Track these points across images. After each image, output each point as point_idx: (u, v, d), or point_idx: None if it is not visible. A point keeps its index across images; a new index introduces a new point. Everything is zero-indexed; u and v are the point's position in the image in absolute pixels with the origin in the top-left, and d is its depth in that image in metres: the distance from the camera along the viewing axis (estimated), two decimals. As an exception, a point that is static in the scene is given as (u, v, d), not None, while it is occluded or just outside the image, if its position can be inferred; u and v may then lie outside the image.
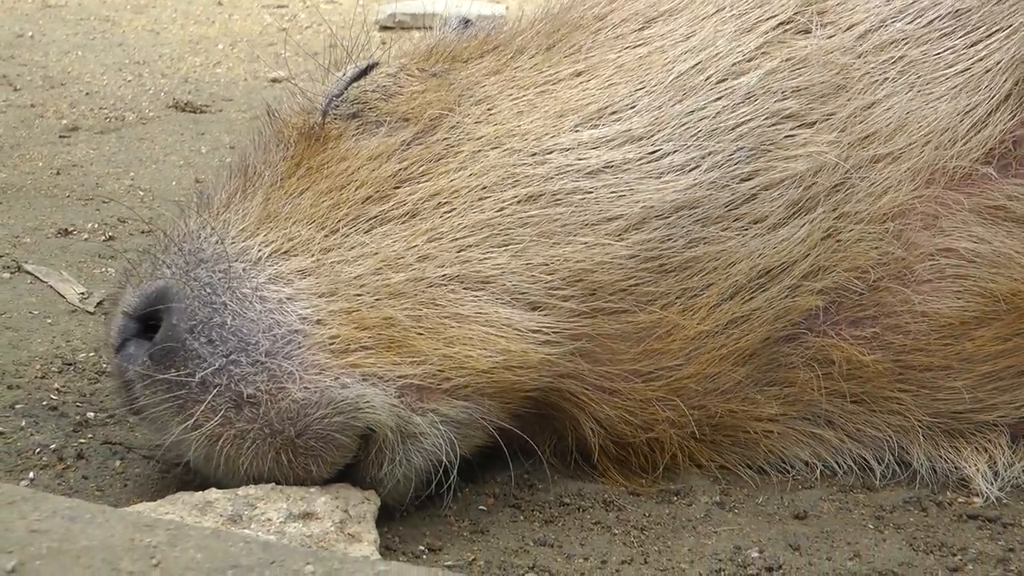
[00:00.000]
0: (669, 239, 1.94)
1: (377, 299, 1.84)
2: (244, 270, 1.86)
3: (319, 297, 1.83)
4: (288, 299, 1.83)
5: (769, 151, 1.98)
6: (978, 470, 2.04)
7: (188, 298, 1.85)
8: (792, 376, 2.02)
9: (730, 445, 2.06)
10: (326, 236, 1.89)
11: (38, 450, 2.06)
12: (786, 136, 1.99)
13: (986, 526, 1.95)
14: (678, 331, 1.95)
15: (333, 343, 1.80)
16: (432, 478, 1.88)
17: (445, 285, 1.86)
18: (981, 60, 2.04)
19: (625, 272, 1.92)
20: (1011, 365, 2.03)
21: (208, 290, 1.85)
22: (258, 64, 5.11)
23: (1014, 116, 2.02)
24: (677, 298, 1.95)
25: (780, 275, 1.97)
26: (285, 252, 1.87)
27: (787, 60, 2.04)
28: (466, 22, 2.28)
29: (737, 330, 1.97)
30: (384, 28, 5.79)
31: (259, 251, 1.88)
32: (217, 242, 1.91)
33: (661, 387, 1.97)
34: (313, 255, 1.87)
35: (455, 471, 1.88)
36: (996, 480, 2.03)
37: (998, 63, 2.03)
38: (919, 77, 2.05)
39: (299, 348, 1.80)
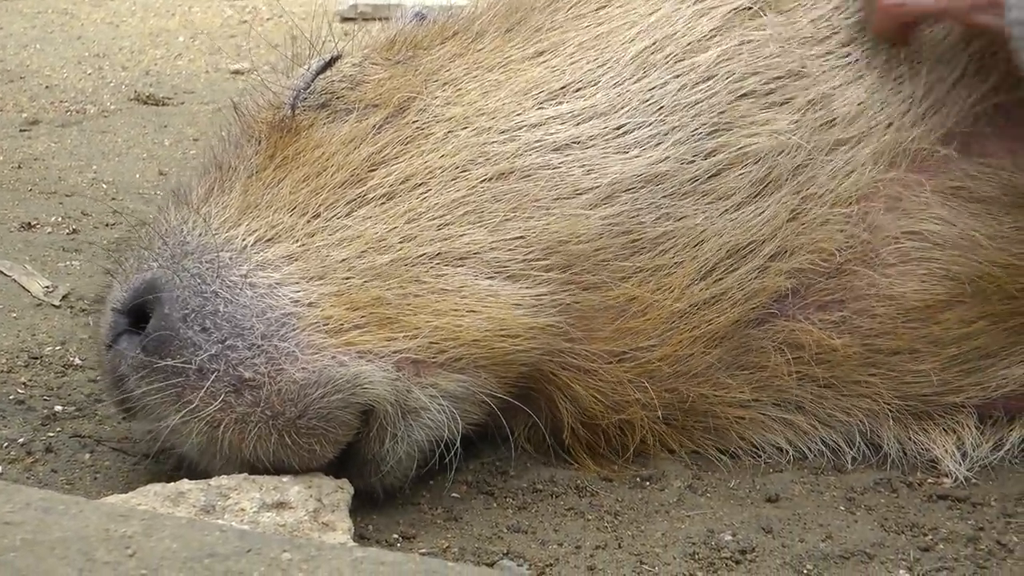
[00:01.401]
0: (638, 213, 1.95)
1: (365, 280, 1.84)
2: (231, 258, 1.86)
3: (308, 281, 1.83)
4: (278, 284, 1.83)
5: (731, 128, 1.99)
6: (947, 451, 2.05)
7: (178, 288, 1.85)
8: (763, 360, 2.03)
9: (701, 431, 2.07)
10: (308, 222, 1.89)
11: (5, 444, 2.05)
12: (745, 115, 2.01)
13: (956, 506, 1.97)
14: (652, 310, 1.97)
15: (327, 323, 1.80)
16: (433, 457, 1.89)
17: (428, 263, 1.87)
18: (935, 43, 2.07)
19: (598, 244, 1.94)
20: (977, 347, 2.04)
21: (198, 280, 1.85)
22: (219, 56, 5.09)
23: (970, 95, 2.03)
24: (651, 275, 1.96)
25: (748, 255, 1.98)
26: (270, 239, 1.88)
27: (744, 42, 2.05)
28: (421, 16, 2.28)
29: (709, 311, 1.98)
30: (346, 19, 5.77)
31: (244, 240, 1.88)
32: (201, 234, 1.91)
33: (633, 368, 1.98)
34: (298, 240, 1.88)
35: (458, 450, 1.89)
36: (965, 461, 2.05)
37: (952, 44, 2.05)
38: (877, 59, 2.06)
39: (294, 330, 1.80)
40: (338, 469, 1.87)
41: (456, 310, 1.85)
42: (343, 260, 1.86)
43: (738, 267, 1.98)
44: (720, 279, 1.98)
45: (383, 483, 1.89)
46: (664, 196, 1.96)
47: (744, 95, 2.02)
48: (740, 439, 2.08)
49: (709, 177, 1.98)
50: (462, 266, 1.88)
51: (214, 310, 1.82)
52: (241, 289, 1.83)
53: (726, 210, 1.98)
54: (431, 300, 1.85)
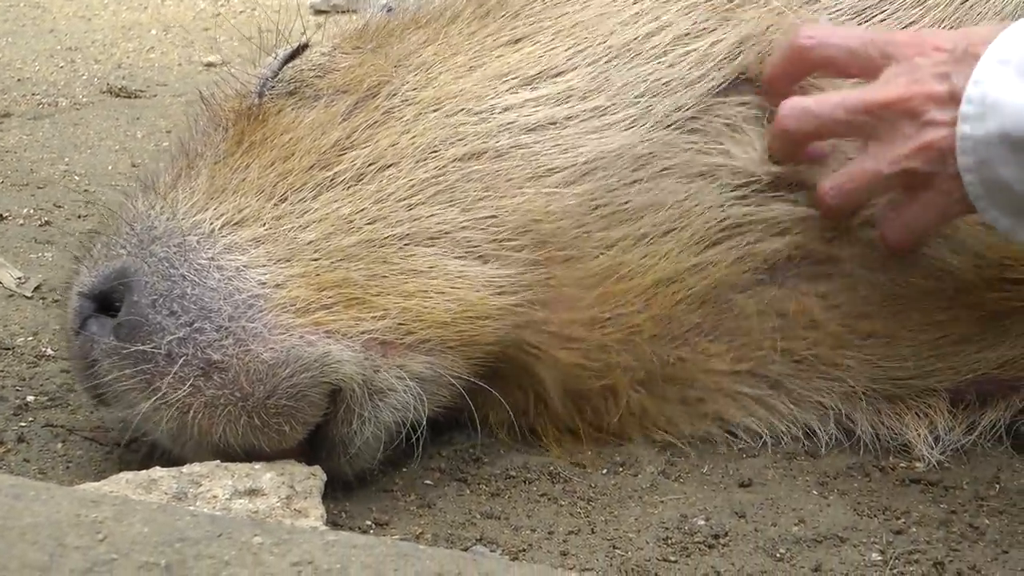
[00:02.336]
0: (618, 188, 1.95)
1: (332, 261, 1.84)
2: (199, 242, 1.86)
3: (275, 263, 1.83)
4: (245, 266, 1.83)
5: (712, 107, 2.00)
6: (920, 435, 2.05)
7: (146, 273, 1.85)
8: (746, 326, 2.03)
9: (679, 402, 2.07)
10: (276, 205, 1.89)
11: (-23, 434, 2.04)
12: (732, 98, 2.01)
13: (928, 490, 1.97)
14: (635, 276, 1.97)
15: (295, 304, 1.80)
16: (400, 439, 1.89)
17: (397, 243, 1.87)
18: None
19: (575, 220, 1.93)
20: (950, 333, 2.05)
21: (165, 264, 1.84)
22: (192, 49, 5.06)
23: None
24: (634, 244, 1.96)
25: (741, 225, 1.99)
26: (237, 223, 1.87)
27: (733, 29, 2.05)
28: (388, 9, 2.28)
29: (696, 276, 1.99)
30: (319, 12, 5.75)
31: (211, 224, 1.88)
32: (169, 218, 1.91)
33: (616, 332, 1.98)
34: (265, 224, 1.87)
35: (424, 431, 1.89)
36: (937, 445, 2.05)
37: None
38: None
39: (262, 311, 1.80)
40: (309, 455, 1.86)
41: (425, 291, 1.85)
42: (310, 242, 1.85)
43: (730, 236, 1.99)
44: (711, 246, 1.99)
45: (351, 465, 1.88)
46: (644, 171, 1.97)
47: (727, 74, 2.02)
48: (715, 418, 2.08)
49: (693, 151, 1.99)
50: (432, 246, 1.88)
51: (182, 293, 1.81)
52: (208, 272, 1.83)
53: (713, 185, 1.99)
54: (399, 281, 1.85)
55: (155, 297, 1.82)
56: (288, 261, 1.83)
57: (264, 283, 1.82)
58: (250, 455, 1.81)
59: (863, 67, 1.91)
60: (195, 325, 1.79)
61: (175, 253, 1.85)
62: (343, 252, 1.85)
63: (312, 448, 1.87)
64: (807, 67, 1.99)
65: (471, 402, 1.95)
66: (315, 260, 1.84)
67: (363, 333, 1.81)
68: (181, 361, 1.78)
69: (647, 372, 2.03)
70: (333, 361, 1.79)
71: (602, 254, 1.96)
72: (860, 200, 1.95)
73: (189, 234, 1.87)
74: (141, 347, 1.79)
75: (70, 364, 2.09)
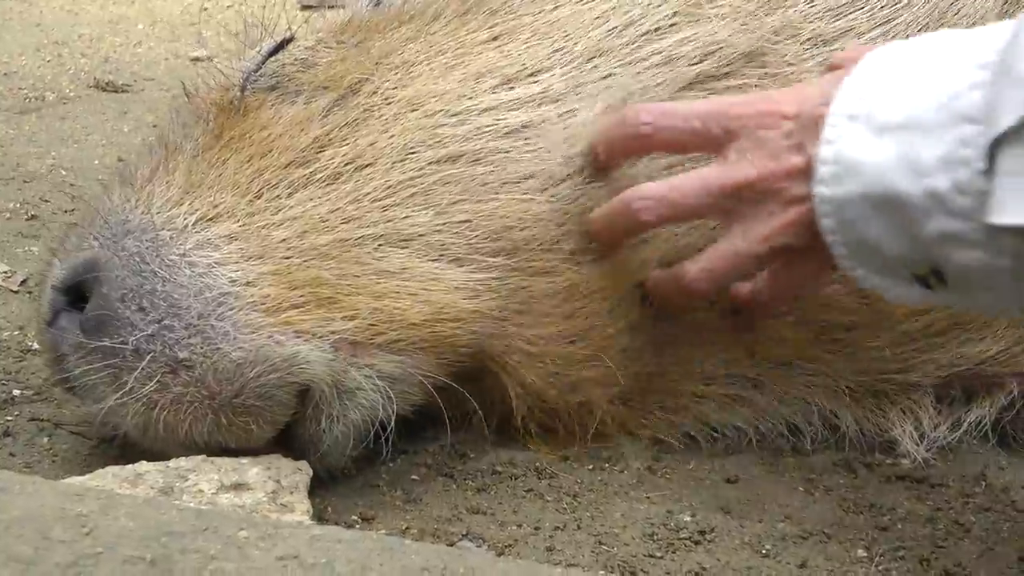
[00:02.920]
0: (590, 196, 1.94)
1: (305, 260, 1.83)
2: (171, 237, 1.84)
3: (247, 260, 1.82)
4: (217, 263, 1.82)
5: None
6: (905, 432, 2.06)
7: (117, 267, 1.83)
8: (717, 334, 2.03)
9: (659, 411, 2.07)
10: (251, 202, 1.88)
11: (-38, 428, 2.04)
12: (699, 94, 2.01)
13: (914, 487, 1.98)
14: (605, 290, 1.96)
15: (265, 303, 1.79)
16: (370, 436, 1.88)
17: (370, 244, 1.85)
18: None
19: (547, 228, 1.92)
20: (930, 324, 2.05)
21: (137, 259, 1.83)
22: (179, 44, 5.05)
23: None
24: (603, 257, 1.95)
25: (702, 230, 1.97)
26: (211, 219, 1.86)
27: (701, 27, 2.05)
28: (377, 2, 2.27)
29: None
30: (306, 7, 5.72)
31: (185, 219, 1.86)
32: (143, 212, 1.89)
33: (587, 347, 1.97)
34: (239, 220, 1.86)
35: (392, 429, 1.88)
36: (923, 442, 2.05)
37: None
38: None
39: (231, 309, 1.78)
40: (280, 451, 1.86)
41: (396, 292, 1.84)
42: (283, 240, 1.84)
43: (693, 242, 1.97)
44: (677, 253, 1.97)
45: (322, 463, 1.87)
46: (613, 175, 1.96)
47: (699, 74, 2.02)
48: (700, 421, 2.08)
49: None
50: (405, 248, 1.87)
51: (152, 289, 1.80)
52: (180, 268, 1.81)
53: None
54: (371, 281, 1.84)
55: (124, 291, 1.81)
56: (260, 258, 1.82)
57: (235, 280, 1.80)
58: (216, 451, 1.80)
59: (710, 144, 1.85)
60: (164, 322, 1.78)
61: (147, 248, 1.84)
62: (316, 251, 1.84)
63: (284, 446, 1.86)
64: (644, 151, 1.95)
65: (455, 398, 1.95)
66: (287, 258, 1.82)
67: (333, 333, 1.80)
68: (148, 358, 1.76)
69: (624, 388, 2.02)
70: (302, 361, 1.78)
71: (573, 265, 1.95)
72: (730, 281, 1.91)
73: (162, 229, 1.86)
74: (108, 342, 1.78)
75: (41, 356, 2.09)
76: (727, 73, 2.03)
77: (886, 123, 1.60)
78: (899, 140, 1.58)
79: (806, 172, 1.69)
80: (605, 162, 1.95)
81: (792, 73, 2.03)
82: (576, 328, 1.97)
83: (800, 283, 1.91)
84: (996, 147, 1.46)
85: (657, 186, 1.89)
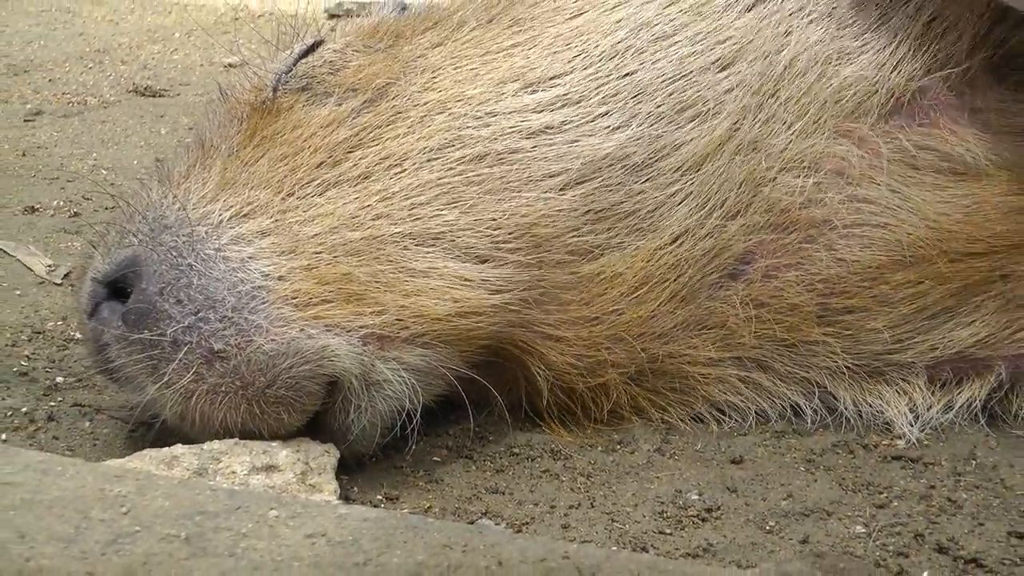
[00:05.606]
0: (607, 191, 1.93)
1: (335, 256, 1.81)
2: (207, 233, 1.82)
3: (280, 255, 1.80)
4: (250, 258, 1.80)
5: (694, 104, 1.99)
6: (900, 413, 2.05)
7: (155, 262, 1.81)
8: (726, 319, 2.02)
9: (670, 391, 2.06)
10: (283, 199, 1.86)
11: (10, 413, 2.03)
12: (707, 90, 2.00)
13: (909, 466, 1.96)
14: (621, 278, 1.95)
15: (296, 297, 1.77)
16: (396, 425, 1.86)
17: (399, 242, 1.84)
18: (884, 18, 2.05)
19: (568, 224, 1.91)
20: (924, 307, 2.04)
21: (174, 253, 1.81)
22: (213, 51, 5.07)
23: (913, 71, 2.02)
24: (619, 248, 1.95)
25: (710, 221, 1.97)
26: (245, 215, 1.84)
27: (709, 28, 2.04)
28: (403, 7, 2.26)
29: (675, 273, 1.97)
30: (332, 16, 5.76)
31: (220, 215, 1.84)
32: (179, 209, 1.87)
33: (605, 330, 1.96)
34: (272, 217, 1.84)
35: (418, 418, 1.86)
36: (917, 422, 2.05)
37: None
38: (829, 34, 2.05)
39: (264, 303, 1.77)
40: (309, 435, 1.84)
41: (423, 290, 1.82)
42: (314, 236, 1.82)
43: (702, 231, 1.97)
44: (685, 244, 1.97)
45: (351, 451, 1.85)
46: (630, 173, 1.95)
47: (706, 71, 2.00)
48: (706, 400, 2.06)
49: (672, 152, 1.97)
50: (433, 246, 1.85)
51: (188, 283, 1.78)
52: (215, 262, 1.80)
53: (690, 181, 1.97)
54: (399, 278, 1.82)
55: (163, 285, 1.79)
56: (292, 253, 1.80)
57: (268, 275, 1.78)
58: (251, 437, 1.78)
59: None
60: (200, 314, 1.76)
61: (184, 243, 1.82)
62: (346, 247, 1.82)
63: (313, 433, 1.84)
64: None
65: (475, 384, 1.94)
66: (318, 253, 1.81)
67: (362, 327, 1.78)
68: (185, 349, 1.75)
69: (637, 368, 2.01)
70: (332, 354, 1.76)
71: (591, 256, 1.94)
72: None
73: (198, 224, 1.84)
74: (147, 334, 1.77)
75: (83, 346, 2.07)
76: (732, 61, 2.02)
77: None
78: None
79: None
80: None
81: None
82: (595, 312, 1.96)
83: None
84: None
85: None
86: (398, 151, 1.91)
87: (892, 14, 2.03)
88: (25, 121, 3.95)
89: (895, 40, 2.03)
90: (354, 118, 1.96)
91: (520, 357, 1.95)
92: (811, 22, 2.05)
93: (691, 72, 2.01)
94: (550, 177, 1.91)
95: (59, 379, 2.17)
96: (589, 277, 1.94)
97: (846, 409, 2.06)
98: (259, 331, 1.75)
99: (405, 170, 1.89)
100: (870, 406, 2.06)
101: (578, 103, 1.96)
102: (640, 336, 1.98)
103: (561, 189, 1.91)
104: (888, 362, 2.06)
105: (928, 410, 2.06)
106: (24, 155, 3.55)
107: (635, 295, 1.96)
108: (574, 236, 1.92)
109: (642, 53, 2.01)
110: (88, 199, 3.13)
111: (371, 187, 1.87)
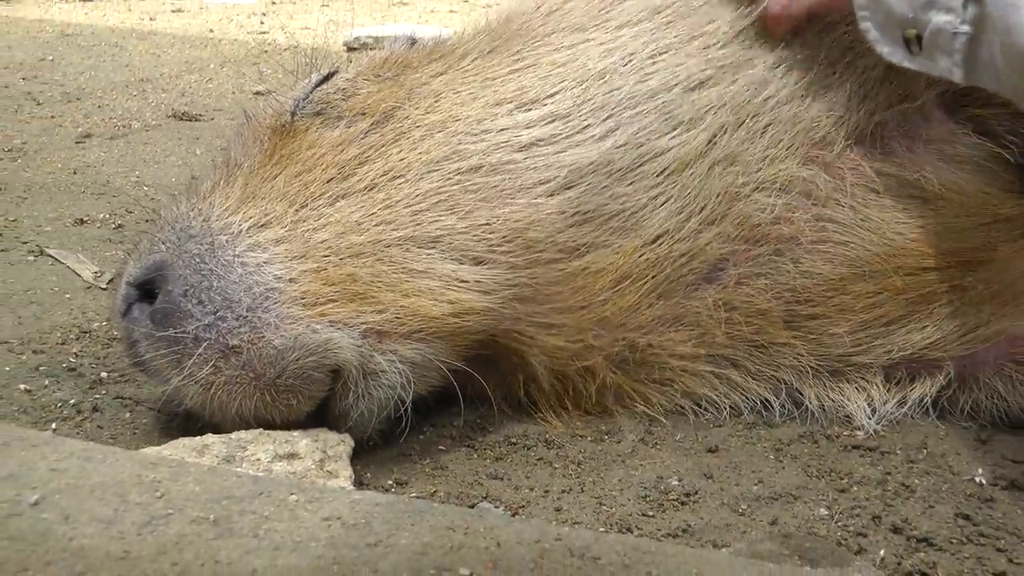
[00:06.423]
0: (593, 194, 1.91)
1: (341, 259, 1.79)
2: (227, 241, 1.81)
3: (292, 260, 1.78)
4: (265, 263, 1.78)
5: (676, 117, 1.97)
6: (859, 407, 2.04)
7: (181, 267, 1.81)
8: (701, 318, 2.00)
9: (651, 382, 2.04)
10: (297, 211, 1.84)
11: (59, 404, 2.02)
12: (689, 107, 1.98)
13: (867, 455, 1.95)
14: (606, 272, 1.93)
15: (304, 297, 1.76)
16: (393, 415, 1.84)
17: (400, 245, 1.82)
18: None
19: (557, 227, 1.89)
20: (881, 315, 2.02)
21: (197, 259, 1.80)
22: (243, 80, 5.07)
23: (874, 105, 2.01)
24: (604, 245, 1.93)
25: (688, 225, 1.96)
26: (262, 225, 1.83)
27: (689, 57, 2.04)
28: (412, 41, 2.25)
29: (656, 270, 1.96)
30: (350, 49, 5.77)
31: (239, 225, 1.83)
32: (203, 220, 1.86)
33: (592, 317, 1.94)
34: (286, 226, 1.82)
35: (409, 407, 1.84)
36: (874, 416, 2.03)
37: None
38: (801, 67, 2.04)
39: (275, 303, 1.75)
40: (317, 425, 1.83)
41: (421, 290, 1.80)
42: (323, 242, 1.80)
43: (680, 234, 1.96)
44: (663, 244, 1.96)
45: (351, 434, 1.83)
46: (615, 180, 1.93)
47: (690, 90, 2.00)
48: (685, 394, 2.04)
49: (655, 157, 1.96)
50: (431, 249, 1.83)
51: (209, 285, 1.77)
52: (233, 267, 1.78)
53: (671, 184, 1.96)
54: (399, 279, 1.80)
55: (186, 288, 1.78)
56: (302, 258, 1.78)
57: (280, 278, 1.77)
58: (263, 424, 1.77)
59: None
60: (219, 314, 1.75)
61: (206, 250, 1.81)
62: (351, 251, 1.80)
63: (320, 422, 1.83)
64: None
65: (474, 379, 1.92)
66: (326, 258, 1.79)
67: (362, 323, 1.76)
68: (205, 344, 1.74)
69: (621, 356, 1.99)
70: (334, 346, 1.74)
71: (577, 254, 1.92)
72: (794, 14, 2.02)
73: (219, 234, 1.83)
74: (172, 332, 1.76)
75: (118, 342, 2.06)
76: (708, 79, 2.02)
77: None
78: None
79: None
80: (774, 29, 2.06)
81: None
82: (582, 301, 1.94)
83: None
84: None
85: None
86: (401, 164, 1.89)
87: (859, 60, 2.02)
88: (76, 143, 3.94)
89: (861, 80, 2.02)
90: (362, 138, 1.94)
91: (515, 344, 1.93)
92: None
93: (675, 87, 1.99)
94: (540, 184, 1.90)
95: (103, 374, 2.15)
96: (576, 272, 1.92)
97: (811, 404, 2.05)
98: (270, 328, 1.74)
99: (407, 180, 1.87)
100: (832, 401, 2.05)
101: (566, 117, 1.95)
102: (622, 325, 1.97)
103: (550, 195, 1.90)
104: (848, 363, 2.05)
105: (884, 405, 2.05)
106: (75, 173, 3.55)
107: (617, 288, 1.94)
108: (563, 236, 1.90)
109: (629, 75, 2.01)
110: (131, 212, 3.12)
111: (376, 196, 1.86)
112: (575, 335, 1.95)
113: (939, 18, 1.60)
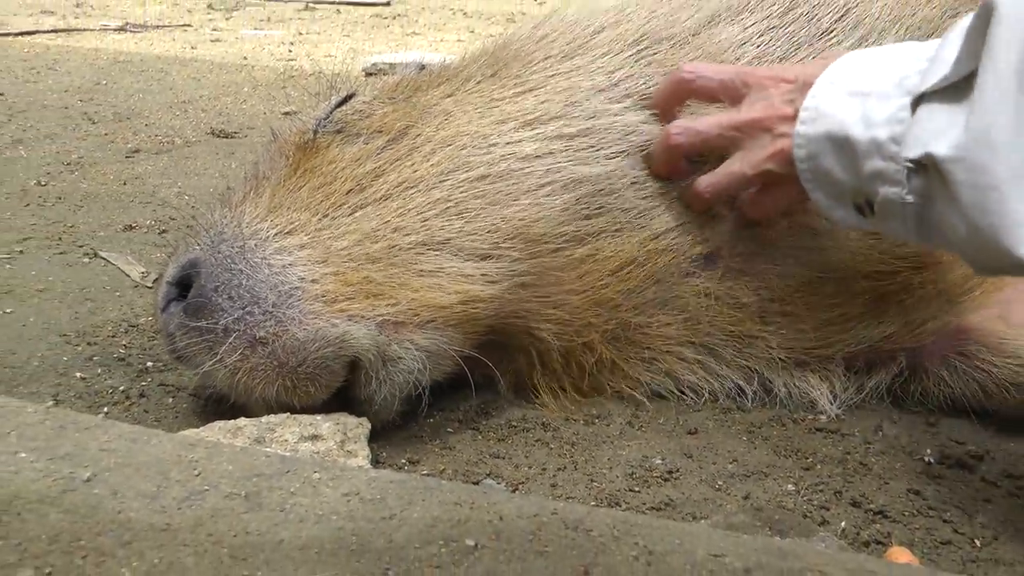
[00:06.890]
0: (593, 199, 1.92)
1: (359, 263, 1.78)
2: (256, 245, 1.80)
3: (314, 263, 1.77)
4: (290, 265, 1.77)
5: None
6: (822, 394, 2.03)
7: (213, 266, 1.80)
8: (689, 304, 1.99)
9: (639, 361, 2.03)
10: (319, 219, 1.83)
11: (110, 391, 2.01)
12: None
13: (829, 436, 1.94)
14: (606, 260, 1.93)
15: (325, 296, 1.74)
16: (412, 398, 1.83)
17: (412, 248, 1.80)
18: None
19: (560, 221, 1.89)
20: (843, 313, 2.02)
21: (228, 260, 1.80)
22: (274, 102, 5.07)
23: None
24: (612, 235, 1.93)
25: (680, 226, 1.97)
26: (288, 232, 1.82)
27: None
28: (421, 66, 2.25)
29: (651, 260, 1.95)
30: (369, 74, 5.76)
31: (267, 232, 1.82)
32: (235, 226, 1.86)
33: (590, 298, 1.93)
34: (309, 233, 1.81)
35: (427, 393, 1.83)
36: (835, 401, 2.03)
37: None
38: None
39: (299, 300, 1.74)
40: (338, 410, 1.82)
41: (431, 285, 1.79)
42: (343, 248, 1.79)
43: (686, 228, 1.97)
44: (665, 240, 1.96)
45: (376, 418, 1.82)
46: (616, 186, 1.94)
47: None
48: (667, 373, 2.04)
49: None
50: (440, 250, 1.81)
51: (238, 283, 1.76)
52: (261, 268, 1.77)
53: (665, 196, 1.98)
54: (411, 278, 1.79)
55: (218, 284, 1.77)
56: (324, 262, 1.77)
57: (303, 278, 1.76)
58: (284, 408, 1.76)
59: (730, 95, 1.90)
60: (247, 308, 1.74)
61: (237, 252, 1.80)
62: (368, 255, 1.79)
63: (345, 410, 1.81)
64: (687, 95, 1.97)
65: (482, 366, 1.91)
66: (345, 262, 1.78)
67: (378, 316, 1.75)
68: (234, 335, 1.73)
69: (614, 333, 1.98)
70: (351, 338, 1.73)
71: (581, 245, 1.92)
72: (728, 194, 1.93)
73: (249, 238, 1.82)
74: (204, 323, 1.76)
75: (158, 334, 2.07)
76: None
77: (856, 90, 1.63)
78: (862, 102, 1.61)
79: (793, 118, 1.74)
80: (664, 110, 2.00)
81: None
82: (585, 285, 1.93)
83: (776, 205, 1.92)
84: (917, 103, 1.51)
85: (687, 120, 1.94)
86: (414, 176, 1.88)
87: None
88: (126, 157, 3.93)
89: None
90: (378, 154, 1.93)
91: (522, 322, 1.92)
92: None
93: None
94: (543, 187, 1.89)
95: (149, 364, 2.14)
96: (581, 258, 1.92)
97: (779, 391, 2.04)
98: (293, 322, 1.73)
99: (419, 190, 1.86)
100: (799, 388, 2.04)
101: (568, 137, 1.95)
102: (618, 306, 1.96)
103: (553, 195, 1.89)
104: (813, 355, 2.04)
105: (845, 391, 2.04)
106: (125, 184, 3.54)
107: (620, 272, 1.94)
108: (568, 227, 1.90)
109: (623, 100, 2.01)
110: (174, 219, 3.11)
111: (390, 205, 1.85)
112: (577, 313, 1.94)
113: (886, 189, 1.56)
